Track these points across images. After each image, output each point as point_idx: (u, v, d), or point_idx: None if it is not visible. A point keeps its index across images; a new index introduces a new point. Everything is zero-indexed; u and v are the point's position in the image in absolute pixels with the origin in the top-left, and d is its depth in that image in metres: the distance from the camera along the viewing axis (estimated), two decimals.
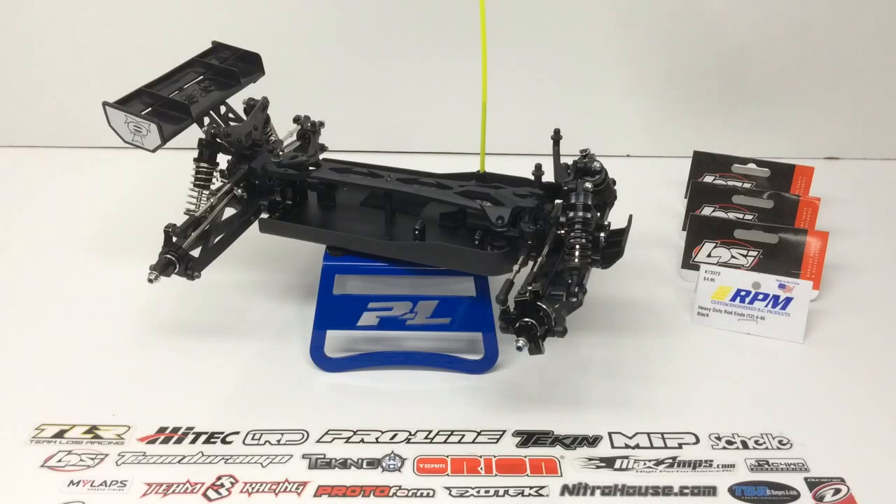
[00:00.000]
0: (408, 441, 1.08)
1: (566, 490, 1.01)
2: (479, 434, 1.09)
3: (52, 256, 1.43)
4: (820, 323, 1.28)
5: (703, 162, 1.57)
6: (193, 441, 1.07)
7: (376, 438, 1.08)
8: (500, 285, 1.02)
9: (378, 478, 1.02)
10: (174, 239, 1.11)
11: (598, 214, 1.06)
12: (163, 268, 1.10)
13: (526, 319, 0.99)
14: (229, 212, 1.22)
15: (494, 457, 1.05)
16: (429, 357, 1.19)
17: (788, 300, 1.24)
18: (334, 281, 1.15)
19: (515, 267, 1.09)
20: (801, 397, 1.15)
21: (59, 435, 1.08)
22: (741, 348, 1.24)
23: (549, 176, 1.12)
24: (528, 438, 1.08)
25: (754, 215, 1.45)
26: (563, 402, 1.14)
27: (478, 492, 1.01)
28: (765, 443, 1.08)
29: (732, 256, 1.36)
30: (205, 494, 1.00)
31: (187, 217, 1.16)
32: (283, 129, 1.29)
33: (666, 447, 1.07)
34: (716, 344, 1.25)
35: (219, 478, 1.02)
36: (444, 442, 1.08)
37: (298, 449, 1.06)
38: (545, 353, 1.00)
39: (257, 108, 1.24)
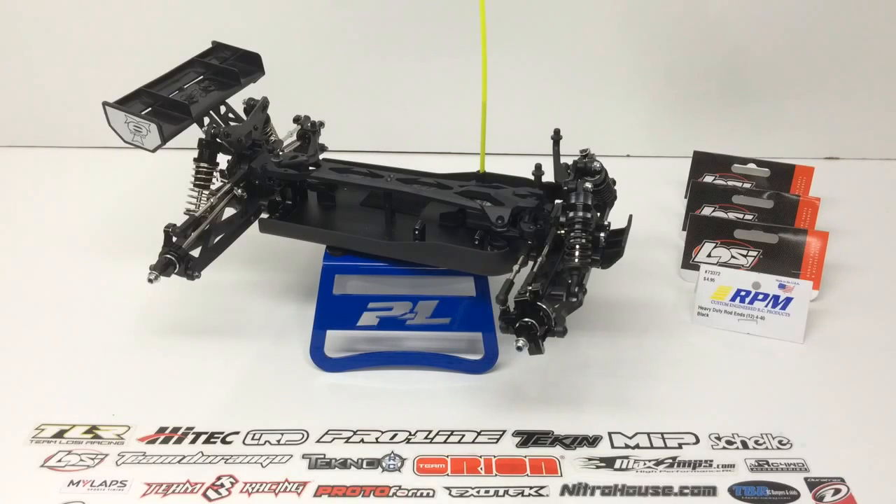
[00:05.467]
0: (408, 441, 1.08)
1: (566, 490, 1.01)
2: (479, 434, 1.09)
3: (51, 256, 1.43)
4: (820, 323, 1.28)
5: (703, 162, 1.57)
6: (193, 441, 1.07)
7: (376, 438, 1.08)
8: (500, 285, 1.02)
9: (378, 478, 1.02)
10: (174, 239, 1.11)
11: (598, 214, 1.06)
12: (163, 268, 1.10)
13: (526, 319, 0.99)
14: (229, 212, 1.22)
15: (494, 457, 1.05)
16: (429, 357, 1.19)
17: (788, 300, 1.24)
18: (334, 281, 1.15)
19: (515, 267, 1.09)
20: (801, 397, 1.15)
21: (59, 435, 1.08)
22: (741, 348, 1.24)
23: (549, 176, 1.12)
24: (528, 438, 1.08)
25: (754, 215, 1.45)
26: (563, 402, 1.14)
27: (478, 492, 1.01)
28: (765, 443, 1.08)
29: (732, 256, 1.36)
30: (205, 494, 1.00)
31: (187, 217, 1.16)
32: (283, 129, 1.29)
33: (666, 447, 1.07)
34: (716, 344, 1.25)
35: (219, 478, 1.02)
36: (444, 442, 1.08)
37: (298, 449, 1.06)
38: (545, 353, 1.00)
39: (257, 108, 1.24)
